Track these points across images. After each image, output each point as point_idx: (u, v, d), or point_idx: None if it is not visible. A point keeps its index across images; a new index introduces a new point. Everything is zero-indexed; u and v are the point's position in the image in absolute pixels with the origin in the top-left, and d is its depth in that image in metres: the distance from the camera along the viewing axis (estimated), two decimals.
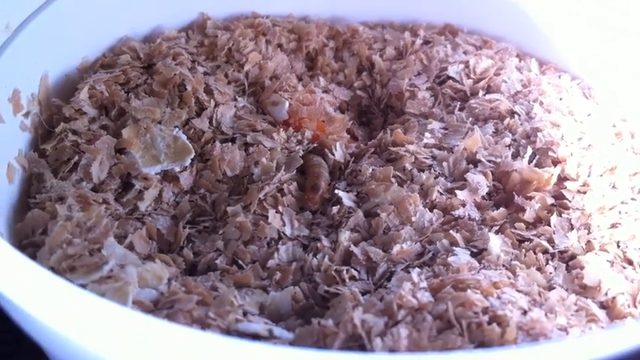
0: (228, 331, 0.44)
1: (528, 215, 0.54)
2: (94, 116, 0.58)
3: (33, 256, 0.47)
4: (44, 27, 0.58)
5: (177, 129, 0.57)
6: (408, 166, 0.57)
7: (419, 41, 0.71)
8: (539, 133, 0.59)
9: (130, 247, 0.50)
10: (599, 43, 0.67)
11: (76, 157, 0.54)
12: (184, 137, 0.57)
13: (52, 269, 0.45)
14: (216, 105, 0.60)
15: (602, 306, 0.49)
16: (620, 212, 0.54)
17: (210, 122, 0.59)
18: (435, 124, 0.62)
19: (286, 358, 0.32)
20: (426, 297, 0.45)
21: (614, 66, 0.66)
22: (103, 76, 0.59)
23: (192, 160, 0.56)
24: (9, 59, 0.54)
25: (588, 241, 0.53)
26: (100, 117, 0.58)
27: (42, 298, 0.34)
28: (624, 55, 0.65)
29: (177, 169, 0.56)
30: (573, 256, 0.52)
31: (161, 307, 0.45)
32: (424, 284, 0.47)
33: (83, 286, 0.44)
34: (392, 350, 0.42)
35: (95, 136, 0.55)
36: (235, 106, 0.61)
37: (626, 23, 0.65)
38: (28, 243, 0.49)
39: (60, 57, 0.60)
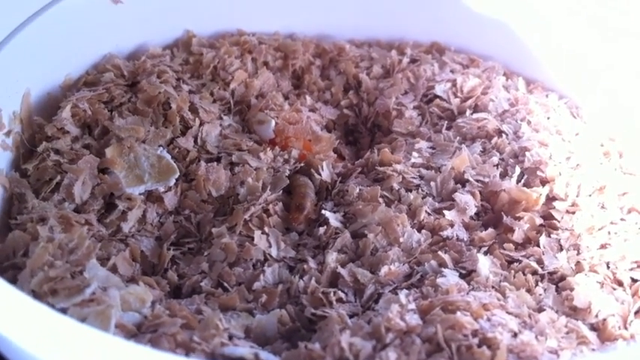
0: (213, 356, 0.43)
1: (517, 236, 0.54)
2: (77, 135, 0.57)
3: (14, 279, 0.46)
4: (26, 44, 0.57)
5: (161, 148, 0.57)
6: (396, 186, 0.57)
7: (406, 60, 0.71)
8: (527, 153, 0.59)
9: (113, 270, 0.49)
10: (587, 60, 0.67)
11: (59, 177, 0.53)
12: (169, 157, 0.56)
13: (33, 292, 0.44)
14: (202, 124, 0.59)
15: (593, 328, 0.49)
16: (609, 232, 0.54)
17: (195, 141, 0.58)
18: (422, 144, 0.61)
19: None
20: (414, 319, 0.44)
21: (601, 85, 0.66)
22: (87, 94, 0.58)
23: (177, 179, 0.56)
24: None
25: (578, 262, 0.53)
26: (83, 136, 0.57)
27: (21, 323, 0.33)
28: (612, 73, 0.65)
29: (162, 189, 0.55)
30: (563, 277, 0.52)
31: (144, 330, 0.44)
32: (412, 306, 0.46)
33: (65, 309, 0.43)
34: None
35: (78, 156, 0.54)
36: (221, 125, 0.60)
37: (616, 43, 0.65)
38: (9, 265, 0.47)
39: (42, 74, 0.59)
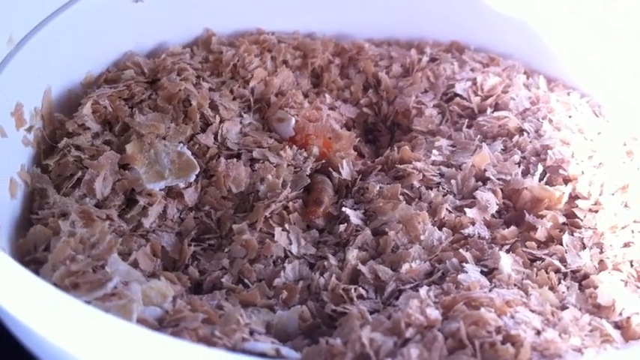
0: (234, 350, 0.43)
1: (540, 234, 0.53)
2: (98, 131, 0.57)
3: (35, 273, 0.46)
4: (48, 41, 0.57)
5: (181, 144, 0.57)
6: (416, 184, 0.57)
7: (425, 58, 0.70)
8: (549, 151, 0.58)
9: (134, 265, 0.49)
10: (610, 59, 0.66)
11: (80, 173, 0.53)
12: (189, 153, 0.56)
13: (55, 286, 0.44)
14: (222, 121, 0.59)
15: (617, 326, 0.48)
16: (632, 231, 0.54)
17: (216, 138, 0.58)
18: (442, 142, 0.61)
19: None
20: (434, 314, 0.44)
21: (624, 84, 0.65)
22: (107, 91, 0.58)
23: (197, 176, 0.56)
24: (12, 72, 0.54)
25: (601, 261, 0.52)
26: (104, 132, 0.57)
27: (45, 313, 0.33)
28: (635, 72, 0.64)
29: (182, 186, 0.55)
30: (586, 276, 0.51)
31: (166, 325, 0.44)
32: (432, 301, 0.46)
33: (86, 303, 0.43)
34: None
35: (99, 152, 0.55)
36: (241, 122, 0.60)
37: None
38: (31, 259, 0.48)
39: (63, 71, 0.60)
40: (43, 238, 0.48)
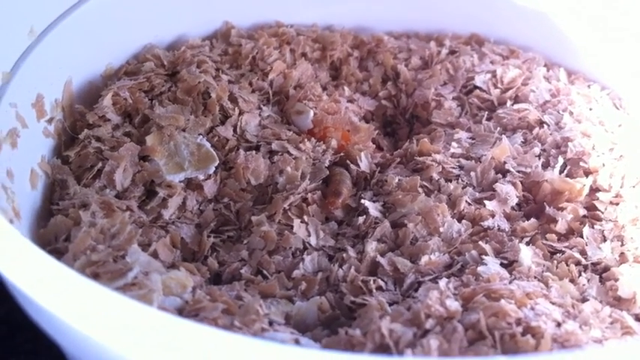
0: None
1: (560, 226, 0.53)
2: (118, 123, 0.57)
3: None
4: (68, 33, 0.58)
5: (201, 137, 0.57)
6: (435, 176, 0.56)
7: (445, 51, 0.70)
8: (569, 143, 0.58)
9: (154, 255, 0.49)
10: (629, 51, 0.66)
11: (100, 164, 0.54)
12: (208, 145, 0.56)
13: None
14: (241, 113, 0.59)
15: (638, 318, 0.48)
16: None
17: (235, 130, 0.58)
18: (462, 134, 0.61)
19: None
20: (454, 305, 0.44)
21: None
22: (127, 83, 0.59)
23: (216, 168, 0.56)
24: (33, 64, 0.54)
25: (622, 253, 0.52)
26: (124, 124, 0.58)
27: (68, 298, 0.33)
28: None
29: (201, 177, 0.55)
30: (607, 268, 0.51)
31: (186, 315, 0.44)
32: (452, 292, 0.46)
33: None
34: None
35: (119, 143, 0.55)
36: (260, 115, 0.60)
37: None
38: (52, 249, 0.48)
39: (84, 63, 0.60)
40: (64, 229, 0.49)
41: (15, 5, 0.53)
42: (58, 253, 0.47)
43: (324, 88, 0.67)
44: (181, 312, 0.44)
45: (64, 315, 0.32)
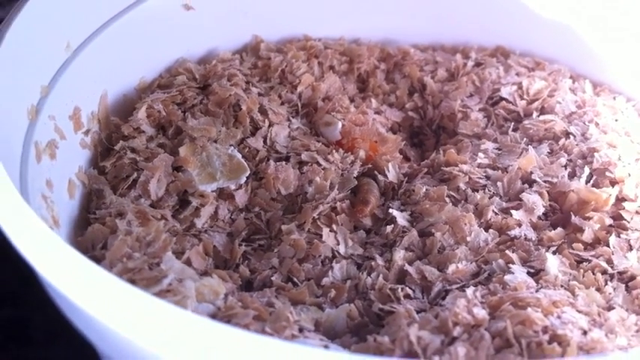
0: None
1: (586, 236, 0.53)
2: (152, 135, 0.59)
3: None
4: (103, 47, 0.59)
5: (232, 148, 0.58)
6: (462, 186, 0.57)
7: (470, 63, 0.71)
8: (595, 154, 0.59)
9: (188, 263, 0.50)
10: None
11: (135, 175, 0.55)
12: (239, 156, 0.58)
13: None
14: (271, 125, 0.60)
15: None
16: None
17: (265, 141, 0.59)
18: (488, 145, 0.61)
19: None
20: (481, 313, 0.45)
21: None
22: (161, 95, 0.60)
23: (247, 178, 0.57)
24: (69, 78, 0.56)
25: None
26: (158, 135, 0.59)
27: (108, 301, 0.34)
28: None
29: (233, 187, 0.56)
30: (633, 277, 0.51)
31: (218, 321, 0.45)
32: (480, 301, 0.46)
33: None
34: None
35: (153, 154, 0.56)
36: (289, 127, 0.61)
37: None
38: (89, 257, 0.49)
39: (118, 77, 0.62)
40: (101, 237, 0.50)
41: (52, 22, 0.55)
42: (95, 261, 0.48)
43: (352, 100, 0.68)
44: (214, 318, 0.45)
45: (105, 319, 0.34)
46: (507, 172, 0.58)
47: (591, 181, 0.57)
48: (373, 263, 0.52)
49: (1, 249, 0.40)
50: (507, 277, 0.49)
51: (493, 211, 0.55)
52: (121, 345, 0.37)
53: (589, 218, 0.55)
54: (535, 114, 0.65)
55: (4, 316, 0.64)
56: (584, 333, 0.44)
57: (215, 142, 0.58)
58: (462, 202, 0.56)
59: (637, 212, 0.55)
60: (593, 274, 0.51)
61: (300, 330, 0.46)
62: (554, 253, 0.53)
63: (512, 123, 0.64)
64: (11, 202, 0.39)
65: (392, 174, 0.59)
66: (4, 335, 0.63)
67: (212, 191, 0.56)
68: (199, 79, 0.64)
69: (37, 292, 0.43)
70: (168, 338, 0.33)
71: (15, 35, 0.51)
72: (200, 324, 0.33)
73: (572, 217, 0.55)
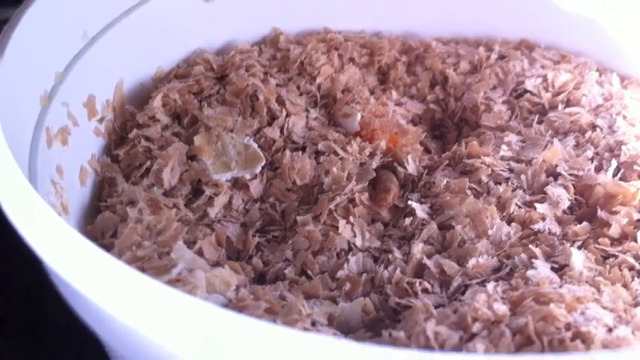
0: None
1: (613, 230, 0.51)
2: (167, 123, 0.58)
3: None
4: (121, 36, 0.59)
5: (248, 137, 0.57)
6: (484, 179, 0.56)
7: (494, 56, 0.69)
8: (623, 147, 0.57)
9: (199, 253, 0.49)
10: None
11: (148, 163, 0.54)
12: (255, 145, 0.56)
13: None
14: (288, 115, 0.59)
15: None
16: None
17: (282, 131, 0.58)
18: (512, 137, 0.60)
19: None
20: (502, 309, 0.43)
21: None
22: (177, 85, 0.60)
23: (263, 168, 0.56)
24: (85, 66, 0.55)
25: None
26: (173, 124, 0.58)
27: (115, 289, 0.33)
28: None
29: (248, 177, 0.55)
30: None
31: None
32: (500, 296, 0.45)
33: None
34: None
35: (167, 143, 0.55)
36: (307, 117, 0.60)
37: None
38: (98, 245, 0.48)
39: (135, 66, 0.61)
40: (111, 225, 0.49)
41: (69, 10, 0.54)
42: (105, 249, 0.47)
43: (372, 92, 0.66)
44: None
45: (110, 308, 0.33)
46: (531, 165, 0.56)
47: (618, 175, 0.55)
48: (390, 256, 0.51)
49: (13, 239, 0.39)
50: (530, 273, 0.47)
51: (516, 204, 0.53)
52: (129, 337, 0.36)
53: (616, 212, 0.53)
54: (560, 106, 0.63)
55: (16, 310, 0.63)
56: (609, 330, 0.42)
57: (231, 131, 0.57)
58: (484, 194, 0.55)
59: None
60: (620, 270, 0.49)
61: (313, 324, 0.45)
62: (579, 248, 0.51)
63: (537, 116, 0.63)
64: (16, 185, 0.38)
65: (412, 166, 0.58)
66: (16, 330, 0.62)
67: (226, 181, 0.55)
68: (217, 69, 0.63)
69: (49, 286, 0.42)
70: (178, 328, 0.32)
71: (30, 22, 0.50)
72: (210, 312, 0.32)
73: (599, 211, 0.53)
